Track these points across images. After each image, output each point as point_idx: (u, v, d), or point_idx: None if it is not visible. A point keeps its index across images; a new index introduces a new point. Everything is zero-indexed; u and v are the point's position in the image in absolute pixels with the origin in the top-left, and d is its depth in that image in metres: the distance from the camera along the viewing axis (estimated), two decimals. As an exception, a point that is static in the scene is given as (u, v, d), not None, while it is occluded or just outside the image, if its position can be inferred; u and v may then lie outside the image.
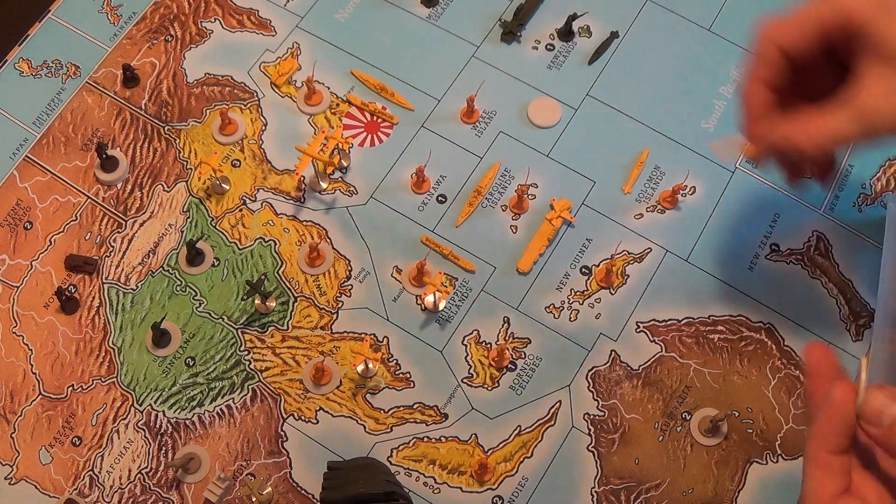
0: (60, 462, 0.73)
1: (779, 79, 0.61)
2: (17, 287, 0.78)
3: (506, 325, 0.77)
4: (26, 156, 0.82)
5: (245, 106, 0.84)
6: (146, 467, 0.72)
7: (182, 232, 0.80)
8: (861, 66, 0.58)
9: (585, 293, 0.78)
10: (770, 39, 0.61)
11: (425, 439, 0.74)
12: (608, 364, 0.76)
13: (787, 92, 0.62)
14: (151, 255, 0.79)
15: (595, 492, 0.73)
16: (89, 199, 0.81)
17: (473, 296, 0.78)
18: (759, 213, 0.82)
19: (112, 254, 0.79)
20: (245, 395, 0.75)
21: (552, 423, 0.75)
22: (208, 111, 0.84)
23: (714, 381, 0.76)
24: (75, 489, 0.72)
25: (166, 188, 0.81)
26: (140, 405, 0.74)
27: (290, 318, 0.77)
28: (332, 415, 0.74)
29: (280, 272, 0.78)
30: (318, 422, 0.74)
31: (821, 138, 0.59)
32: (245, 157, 0.83)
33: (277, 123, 0.84)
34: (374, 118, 0.84)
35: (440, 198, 0.81)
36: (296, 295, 0.78)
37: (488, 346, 0.77)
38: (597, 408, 0.75)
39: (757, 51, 0.62)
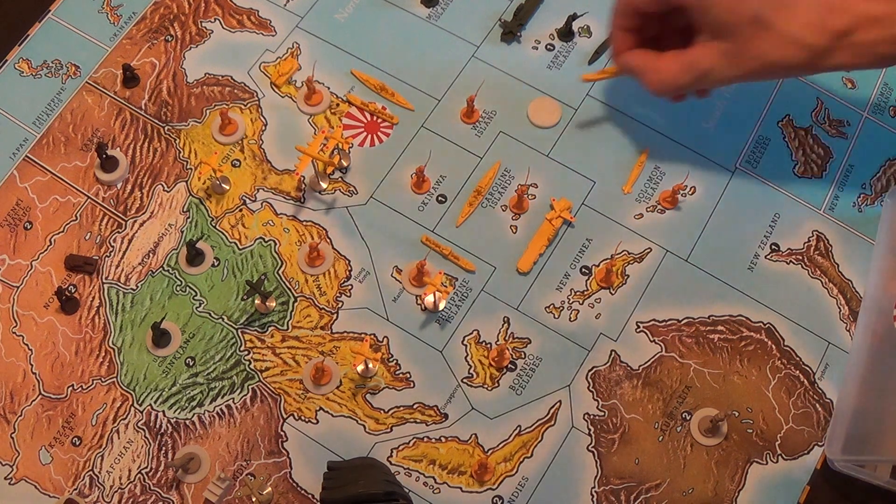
0: (60, 462, 0.73)
1: (634, 24, 0.77)
2: (17, 287, 0.78)
3: (506, 325, 0.77)
4: (26, 156, 0.82)
5: (245, 106, 0.84)
6: (146, 467, 0.72)
7: (182, 232, 0.80)
8: (697, 28, 0.73)
9: (585, 293, 0.78)
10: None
11: (425, 439, 0.74)
12: (608, 364, 0.76)
13: (655, 30, 0.78)
14: (151, 255, 0.79)
15: (595, 492, 0.73)
16: (89, 199, 0.81)
17: (473, 296, 0.78)
18: (759, 213, 0.82)
19: (112, 254, 0.79)
20: (245, 395, 0.75)
21: (552, 423, 0.75)
22: (208, 111, 0.84)
23: (714, 381, 0.76)
24: (75, 489, 0.72)
25: (166, 188, 0.81)
26: (140, 405, 0.74)
27: (290, 318, 0.77)
28: (332, 415, 0.74)
29: (280, 272, 0.78)
30: (318, 422, 0.74)
31: (662, 81, 0.75)
32: (245, 157, 0.83)
33: (277, 123, 0.84)
34: (374, 118, 0.84)
35: (440, 198, 0.81)
36: (296, 295, 0.78)
37: (488, 346, 0.77)
38: (597, 408, 0.75)
39: (616, 4, 0.77)
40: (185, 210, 0.80)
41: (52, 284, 0.78)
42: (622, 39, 0.78)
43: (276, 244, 0.79)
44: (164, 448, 0.73)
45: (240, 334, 0.76)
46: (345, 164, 0.82)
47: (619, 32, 0.78)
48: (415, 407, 0.75)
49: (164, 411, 0.74)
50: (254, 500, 0.71)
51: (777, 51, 0.70)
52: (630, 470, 0.73)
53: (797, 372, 0.76)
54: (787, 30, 0.69)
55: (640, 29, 0.78)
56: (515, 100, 0.85)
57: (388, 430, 0.74)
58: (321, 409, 0.74)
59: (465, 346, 0.77)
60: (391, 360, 0.76)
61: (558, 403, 0.75)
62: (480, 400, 0.75)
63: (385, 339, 0.77)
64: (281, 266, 0.79)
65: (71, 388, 0.75)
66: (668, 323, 0.78)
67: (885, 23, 0.69)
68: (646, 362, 0.76)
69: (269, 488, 0.72)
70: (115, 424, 0.74)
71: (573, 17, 0.86)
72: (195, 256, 0.78)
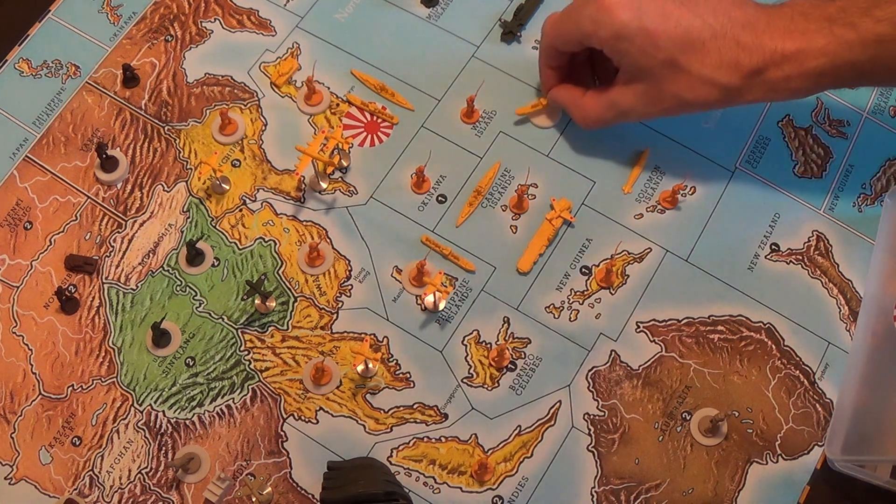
0: (60, 462, 0.73)
1: (558, 63, 0.81)
2: (17, 287, 0.78)
3: (506, 325, 0.77)
4: (26, 156, 0.82)
5: (245, 106, 0.84)
6: (146, 467, 0.72)
7: (182, 232, 0.80)
8: (618, 69, 0.76)
9: (585, 293, 0.78)
10: (546, 39, 0.80)
11: (425, 439, 0.74)
12: (608, 364, 0.76)
13: (587, 54, 0.82)
14: (151, 255, 0.79)
15: (595, 492, 0.73)
16: (89, 199, 0.81)
17: (473, 296, 0.78)
18: (759, 213, 0.82)
19: (112, 254, 0.79)
20: (245, 395, 0.75)
21: (552, 423, 0.75)
22: (208, 111, 0.84)
23: (714, 381, 0.76)
24: (75, 489, 0.72)
25: (166, 188, 0.81)
26: (140, 405, 0.74)
27: (290, 318, 0.77)
28: (332, 415, 0.74)
29: (280, 272, 0.78)
30: (318, 422, 0.74)
31: (586, 117, 0.80)
32: (245, 157, 0.83)
33: (277, 123, 0.84)
34: (374, 118, 0.84)
35: (440, 198, 0.81)
36: (296, 295, 0.78)
37: (488, 346, 0.77)
38: (597, 408, 0.75)
39: (541, 44, 0.81)
40: (185, 210, 0.80)
41: (52, 284, 0.78)
42: (549, 77, 0.82)
43: (276, 244, 0.79)
44: (164, 448, 0.73)
45: (240, 334, 0.76)
46: (345, 164, 0.82)
47: (546, 70, 0.82)
48: (415, 407, 0.75)
49: (164, 411, 0.74)
50: (254, 500, 0.71)
51: (691, 91, 0.73)
52: (630, 470, 0.73)
53: (797, 372, 0.76)
54: (700, 72, 0.72)
55: (570, 60, 0.81)
56: (515, 100, 0.85)
57: (388, 430, 0.74)
58: (321, 409, 0.74)
59: (465, 346, 0.77)
60: (391, 360, 0.76)
61: (558, 403, 0.75)
62: (480, 400, 0.75)
63: (385, 339, 0.77)
64: (281, 266, 0.79)
65: (71, 388, 0.75)
66: (668, 323, 0.78)
67: (796, 59, 0.71)
68: (646, 362, 0.76)
69: (269, 488, 0.72)
70: (115, 424, 0.74)
71: (573, 17, 0.86)
72: (195, 256, 0.78)
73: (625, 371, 0.76)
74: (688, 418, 0.75)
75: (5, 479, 0.72)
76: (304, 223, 0.80)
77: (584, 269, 0.79)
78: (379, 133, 0.84)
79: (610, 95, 0.77)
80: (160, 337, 0.75)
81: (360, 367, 0.75)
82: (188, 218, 0.80)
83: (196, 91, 0.85)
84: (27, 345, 0.76)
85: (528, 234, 0.80)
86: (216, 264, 0.79)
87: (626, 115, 0.77)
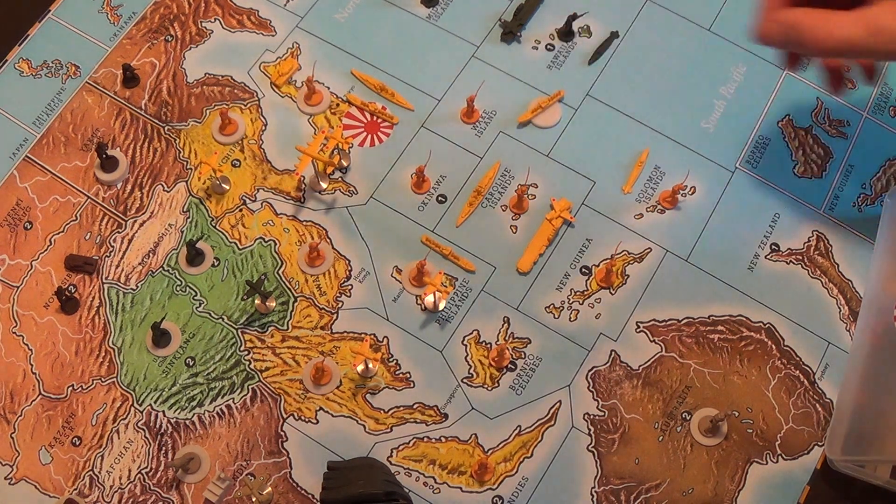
0: (60, 462, 0.73)
1: None
2: (17, 287, 0.78)
3: (506, 325, 0.77)
4: (26, 156, 0.82)
5: (245, 106, 0.84)
6: (146, 467, 0.72)
7: (182, 232, 0.80)
8: None
9: (585, 293, 0.78)
10: None
11: (425, 439, 0.74)
12: (608, 364, 0.76)
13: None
14: (151, 255, 0.79)
15: (595, 492, 0.73)
16: (89, 199, 0.81)
17: (473, 296, 0.78)
18: (759, 213, 0.82)
19: (112, 254, 0.79)
20: (245, 395, 0.75)
21: (552, 423, 0.75)
22: (208, 111, 0.84)
23: (714, 381, 0.76)
24: (75, 489, 0.72)
25: (166, 188, 0.81)
26: (140, 405, 0.74)
27: (290, 318, 0.77)
28: (332, 415, 0.74)
29: (280, 272, 0.78)
30: (318, 422, 0.74)
31: (830, 32, 0.65)
32: (245, 157, 0.83)
33: (277, 123, 0.84)
34: (374, 118, 0.84)
35: (440, 198, 0.81)
36: (296, 295, 0.78)
37: (488, 346, 0.77)
38: (597, 408, 0.75)
39: None
40: (185, 210, 0.80)
41: (52, 284, 0.78)
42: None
43: (276, 244, 0.79)
44: (164, 448, 0.73)
45: (240, 334, 0.76)
46: (345, 164, 0.82)
47: None
48: (415, 407, 0.75)
49: (164, 411, 0.74)
50: (254, 500, 0.71)
51: None
52: (630, 470, 0.73)
53: (797, 372, 0.76)
54: None
55: None
56: (515, 100, 0.85)
57: (388, 430, 0.74)
58: (321, 409, 0.74)
59: (465, 346, 0.77)
60: (391, 360, 0.76)
61: (558, 403, 0.75)
62: (480, 400, 0.75)
63: (385, 339, 0.77)
64: (281, 266, 0.79)
65: (71, 388, 0.75)
66: (668, 323, 0.78)
67: None
68: (646, 362, 0.76)
69: (269, 488, 0.72)
70: (115, 424, 0.74)
71: (573, 17, 0.86)
72: (195, 256, 0.78)
73: (625, 371, 0.76)
74: (688, 418, 0.75)
75: (5, 479, 0.72)
76: (304, 223, 0.80)
77: (584, 269, 0.79)
78: (379, 133, 0.84)
79: (867, 11, 0.63)
80: (160, 337, 0.75)
81: (360, 367, 0.75)
82: (188, 218, 0.80)
83: (196, 91, 0.85)
84: (27, 345, 0.76)
85: (528, 234, 0.80)
86: (216, 264, 0.79)
87: (882, 32, 0.63)
